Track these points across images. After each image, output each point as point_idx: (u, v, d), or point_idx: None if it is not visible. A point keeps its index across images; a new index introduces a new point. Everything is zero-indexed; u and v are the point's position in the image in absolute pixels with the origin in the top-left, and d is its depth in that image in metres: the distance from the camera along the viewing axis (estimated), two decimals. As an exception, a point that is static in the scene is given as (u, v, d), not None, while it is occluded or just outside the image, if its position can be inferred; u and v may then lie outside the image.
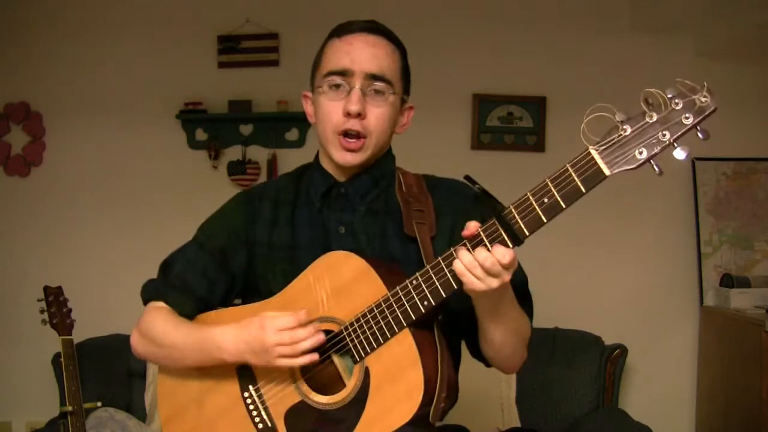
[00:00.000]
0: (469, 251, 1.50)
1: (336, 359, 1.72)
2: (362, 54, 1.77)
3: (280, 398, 1.75)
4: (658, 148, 1.34)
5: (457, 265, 1.50)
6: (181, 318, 1.87)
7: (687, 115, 1.32)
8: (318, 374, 1.74)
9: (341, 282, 1.69)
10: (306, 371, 1.73)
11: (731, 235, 4.04)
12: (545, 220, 1.44)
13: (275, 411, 1.76)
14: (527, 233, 1.46)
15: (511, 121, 4.17)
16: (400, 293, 1.59)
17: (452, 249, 1.53)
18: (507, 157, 4.16)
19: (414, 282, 1.58)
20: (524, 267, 1.79)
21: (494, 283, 1.49)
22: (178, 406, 1.89)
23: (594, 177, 1.39)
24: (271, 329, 1.64)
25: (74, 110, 4.29)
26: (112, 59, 4.29)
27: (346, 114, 1.76)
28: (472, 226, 1.50)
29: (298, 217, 1.89)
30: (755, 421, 3.42)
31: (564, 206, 1.42)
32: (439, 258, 1.56)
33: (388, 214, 1.85)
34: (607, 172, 1.38)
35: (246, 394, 1.80)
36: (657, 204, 4.07)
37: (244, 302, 1.95)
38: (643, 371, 4.03)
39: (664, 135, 1.33)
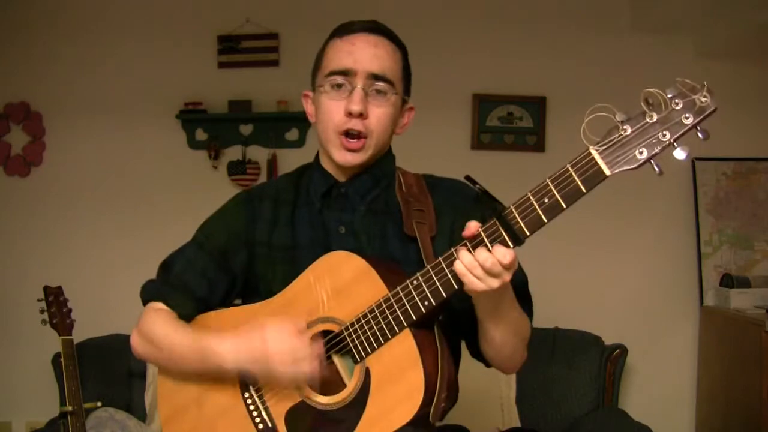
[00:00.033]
0: (470, 251, 1.50)
1: (336, 359, 1.72)
2: (364, 54, 1.77)
3: (281, 398, 1.75)
4: (659, 148, 1.34)
5: (458, 266, 1.50)
6: (181, 322, 1.86)
7: (687, 115, 1.32)
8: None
9: (342, 282, 1.69)
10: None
11: (731, 235, 4.04)
12: (546, 220, 1.44)
13: (275, 411, 1.76)
14: (528, 233, 1.46)
15: (511, 121, 4.17)
16: (401, 293, 1.59)
17: (453, 249, 1.53)
18: (507, 157, 4.17)
19: (414, 282, 1.58)
20: (524, 267, 1.79)
21: (495, 283, 1.49)
22: (178, 406, 1.89)
23: (594, 177, 1.39)
24: (274, 341, 1.65)
25: (74, 110, 4.29)
26: (112, 59, 4.29)
27: (347, 114, 1.76)
28: (473, 226, 1.50)
29: (298, 217, 1.89)
30: (755, 421, 3.42)
31: (564, 206, 1.42)
32: (440, 258, 1.56)
33: (388, 214, 1.85)
34: (607, 172, 1.38)
35: (246, 395, 1.80)
36: (657, 204, 4.07)
37: (244, 302, 1.95)
38: (643, 371, 4.04)
39: (664, 135, 1.33)
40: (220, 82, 4.27)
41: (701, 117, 1.31)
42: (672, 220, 4.11)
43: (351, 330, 1.65)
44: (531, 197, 1.44)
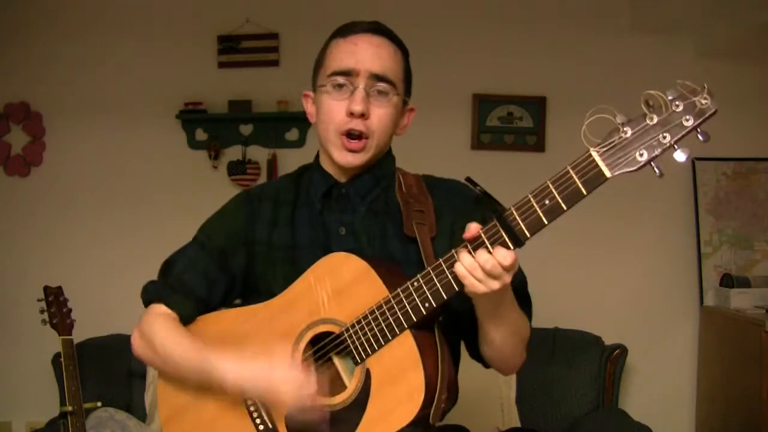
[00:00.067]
0: (470, 253, 1.49)
1: (337, 360, 1.72)
2: (366, 54, 1.77)
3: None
4: (659, 150, 1.34)
5: (458, 268, 1.50)
6: (184, 332, 1.84)
7: (687, 117, 1.31)
8: (319, 375, 1.74)
9: (342, 283, 1.69)
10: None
11: (731, 235, 4.04)
12: (546, 222, 1.44)
13: (276, 412, 1.76)
14: (528, 235, 1.46)
15: (511, 121, 4.17)
16: (401, 295, 1.59)
17: (453, 251, 1.53)
18: (507, 157, 4.17)
19: (415, 284, 1.58)
20: (524, 267, 1.79)
21: (495, 285, 1.49)
22: (178, 407, 1.89)
23: (595, 179, 1.39)
24: (281, 371, 1.66)
25: (74, 110, 4.29)
26: (112, 59, 4.29)
27: (349, 114, 1.76)
28: (473, 228, 1.50)
29: (298, 217, 1.89)
30: (755, 421, 3.42)
31: (565, 208, 1.42)
32: (440, 260, 1.56)
33: (388, 215, 1.86)
34: (608, 174, 1.37)
35: (247, 395, 1.80)
36: (657, 204, 4.07)
37: (244, 302, 1.95)
38: (643, 371, 4.04)
39: (664, 137, 1.33)
40: (220, 82, 4.27)
41: (701, 119, 1.31)
42: (672, 220, 4.11)
43: (351, 331, 1.65)
44: (531, 199, 1.44)
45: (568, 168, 1.41)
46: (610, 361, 3.53)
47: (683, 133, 1.32)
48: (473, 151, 4.20)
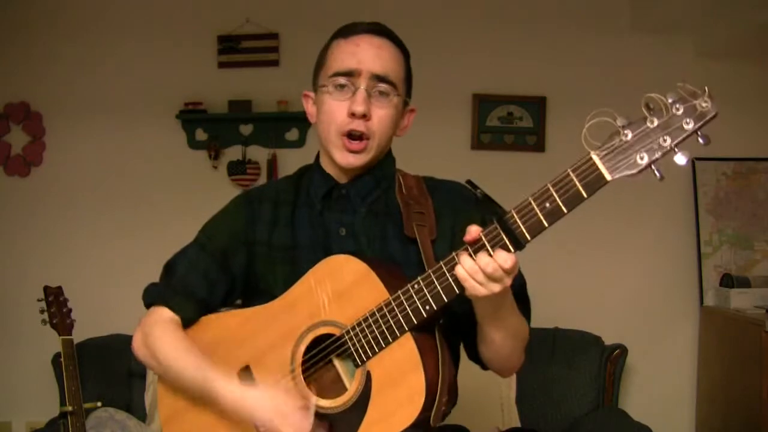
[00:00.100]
0: (471, 256, 1.49)
1: (337, 362, 1.72)
2: (368, 55, 1.77)
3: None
4: (659, 153, 1.34)
5: (459, 271, 1.50)
6: (186, 343, 1.84)
7: (688, 120, 1.31)
8: (319, 377, 1.74)
9: (342, 285, 1.69)
10: (307, 375, 1.73)
11: (731, 235, 4.04)
12: (547, 225, 1.44)
13: None
14: (529, 238, 1.46)
15: (511, 121, 4.17)
16: (402, 297, 1.59)
17: (454, 253, 1.53)
18: (507, 157, 4.17)
19: (416, 286, 1.58)
20: (524, 267, 1.78)
21: (496, 288, 1.49)
22: (178, 407, 1.89)
23: (595, 182, 1.38)
24: (283, 407, 1.67)
25: (74, 110, 4.29)
26: (112, 59, 4.29)
27: (350, 114, 1.76)
28: (474, 231, 1.50)
29: (298, 218, 1.89)
30: (755, 421, 3.42)
31: (565, 211, 1.41)
32: (441, 262, 1.56)
33: (388, 216, 1.86)
34: (608, 177, 1.37)
35: (247, 397, 1.80)
36: (657, 204, 4.07)
37: (245, 303, 1.95)
38: (643, 371, 4.04)
39: (665, 140, 1.33)
40: (220, 82, 4.27)
41: (702, 122, 1.31)
42: (672, 220, 4.11)
43: (352, 333, 1.65)
44: (532, 202, 1.44)
45: (569, 171, 1.40)
46: (610, 361, 3.53)
47: (684, 136, 1.32)
48: (473, 151, 4.20)
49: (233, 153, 4.28)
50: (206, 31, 4.26)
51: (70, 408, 3.06)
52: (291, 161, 4.12)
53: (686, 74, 3.92)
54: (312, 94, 1.91)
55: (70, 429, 3.04)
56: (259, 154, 4.27)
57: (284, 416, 1.65)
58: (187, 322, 1.89)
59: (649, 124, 1.34)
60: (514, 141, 4.18)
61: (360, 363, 1.65)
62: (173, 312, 1.88)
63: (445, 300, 1.56)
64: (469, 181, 1.65)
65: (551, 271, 3.72)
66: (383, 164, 1.89)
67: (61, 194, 4.31)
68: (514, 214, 1.46)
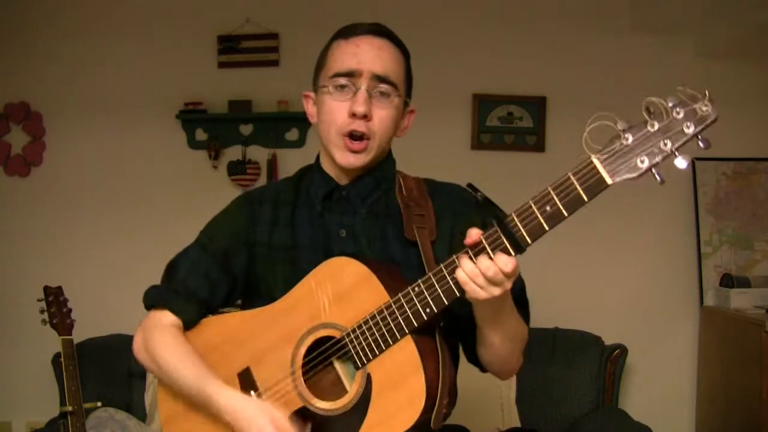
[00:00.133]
0: (471, 259, 1.50)
1: (337, 365, 1.72)
2: (369, 55, 1.78)
3: (282, 404, 1.74)
4: (660, 157, 1.34)
5: (460, 274, 1.51)
6: (186, 349, 1.84)
7: (688, 124, 1.31)
8: (319, 380, 1.74)
9: (343, 288, 1.69)
10: (308, 377, 1.73)
11: (731, 235, 4.04)
12: (547, 228, 1.44)
13: None
14: (529, 241, 1.46)
15: (511, 121, 4.17)
16: (402, 300, 1.59)
17: (454, 256, 1.53)
18: (507, 157, 4.17)
19: (416, 288, 1.58)
20: (524, 267, 1.78)
21: (496, 291, 1.49)
22: (178, 408, 1.89)
23: (596, 185, 1.39)
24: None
25: (74, 110, 4.29)
26: (112, 59, 4.29)
27: (351, 115, 1.76)
28: (474, 234, 1.50)
29: (298, 218, 1.89)
30: (755, 421, 3.43)
31: (566, 214, 1.42)
32: (441, 265, 1.56)
33: (388, 217, 1.86)
34: (609, 180, 1.37)
35: (247, 399, 1.80)
36: (657, 204, 4.07)
37: (245, 303, 1.95)
38: (643, 371, 4.04)
39: (665, 144, 1.33)
40: (220, 82, 4.26)
41: (702, 126, 1.31)
42: (672, 220, 4.11)
43: (352, 336, 1.65)
44: (532, 205, 1.44)
45: (569, 174, 1.40)
46: (610, 361, 3.54)
47: (684, 140, 1.32)
48: (473, 151, 4.20)
49: (233, 153, 4.28)
50: (206, 31, 4.26)
51: (70, 408, 3.06)
52: (291, 161, 4.12)
53: (686, 74, 3.97)
54: (312, 95, 1.91)
55: (70, 429, 3.04)
56: (259, 154, 4.27)
57: (279, 429, 1.66)
58: (189, 324, 1.89)
59: (649, 127, 1.34)
60: (514, 141, 4.18)
61: (360, 365, 1.65)
62: (175, 315, 1.88)
63: (446, 303, 1.56)
64: (470, 185, 1.65)
65: (551, 271, 3.72)
66: (383, 165, 1.89)
67: (61, 194, 4.31)
68: (515, 218, 1.46)
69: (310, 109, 1.92)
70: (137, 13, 4.30)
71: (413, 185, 1.90)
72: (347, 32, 1.83)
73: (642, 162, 1.35)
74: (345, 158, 1.80)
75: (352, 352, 1.65)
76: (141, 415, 3.51)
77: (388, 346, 1.61)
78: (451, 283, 1.54)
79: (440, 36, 4.13)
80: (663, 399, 4.04)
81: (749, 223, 4.04)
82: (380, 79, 1.77)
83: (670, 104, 1.33)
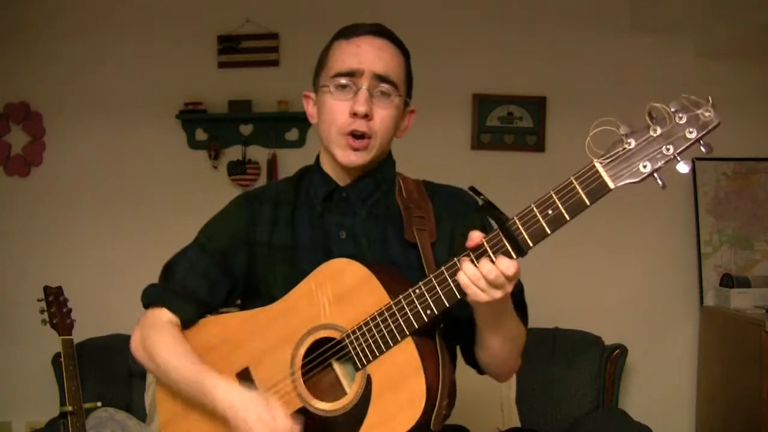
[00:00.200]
0: (473, 262, 1.50)
1: (337, 366, 1.72)
2: (369, 55, 1.78)
3: (282, 404, 1.74)
4: (662, 162, 1.34)
5: (461, 277, 1.51)
6: (184, 347, 1.84)
7: (691, 129, 1.32)
8: (319, 381, 1.74)
9: (343, 289, 1.69)
10: (307, 378, 1.74)
11: (731, 235, 4.04)
12: (549, 232, 1.44)
13: None
14: (531, 244, 1.46)
15: (511, 121, 4.17)
16: (403, 302, 1.59)
17: (456, 259, 1.53)
18: (507, 157, 4.16)
19: (417, 291, 1.58)
20: (524, 267, 1.77)
21: (497, 294, 1.50)
22: (177, 408, 1.88)
23: (598, 190, 1.39)
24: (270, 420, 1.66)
25: (74, 110, 4.29)
26: (112, 59, 4.29)
27: (352, 114, 1.76)
28: (476, 237, 1.50)
29: (298, 218, 1.89)
30: (755, 421, 3.43)
31: (568, 218, 1.42)
32: (443, 268, 1.56)
33: (388, 219, 1.86)
34: (611, 185, 1.38)
35: (247, 400, 1.80)
36: (657, 204, 4.07)
37: (244, 303, 1.95)
38: (643, 371, 4.04)
39: (667, 149, 1.33)
40: (220, 82, 4.26)
41: (704, 132, 1.31)
42: (672, 220, 4.11)
43: (353, 337, 1.65)
44: (535, 209, 1.44)
45: (572, 179, 1.41)
46: (610, 361, 3.54)
47: (686, 145, 1.33)
48: (473, 151, 4.20)
49: (233, 153, 4.28)
50: (206, 31, 4.26)
51: (70, 408, 3.06)
52: (291, 161, 4.12)
53: (686, 74, 3.97)
54: (312, 95, 1.91)
55: (70, 429, 3.04)
56: (259, 154, 4.27)
57: (274, 429, 1.65)
58: (187, 323, 1.89)
59: (651, 132, 1.34)
60: (514, 141, 4.18)
61: (360, 366, 1.65)
62: (172, 313, 1.88)
63: (447, 305, 1.56)
64: (472, 188, 1.65)
65: (551, 271, 3.72)
66: (383, 167, 1.89)
67: (61, 194, 4.31)
68: (517, 221, 1.46)
69: (310, 109, 1.92)
70: (137, 13, 4.30)
71: (413, 187, 1.90)
72: (348, 32, 1.83)
73: (644, 167, 1.35)
74: (346, 156, 1.79)
75: (352, 353, 1.65)
76: (141, 415, 3.51)
77: (388, 347, 1.61)
78: (452, 285, 1.54)
79: (440, 36, 4.13)
80: (663, 399, 4.05)
81: (749, 223, 4.04)
82: (381, 78, 1.77)
83: (673, 109, 1.33)
